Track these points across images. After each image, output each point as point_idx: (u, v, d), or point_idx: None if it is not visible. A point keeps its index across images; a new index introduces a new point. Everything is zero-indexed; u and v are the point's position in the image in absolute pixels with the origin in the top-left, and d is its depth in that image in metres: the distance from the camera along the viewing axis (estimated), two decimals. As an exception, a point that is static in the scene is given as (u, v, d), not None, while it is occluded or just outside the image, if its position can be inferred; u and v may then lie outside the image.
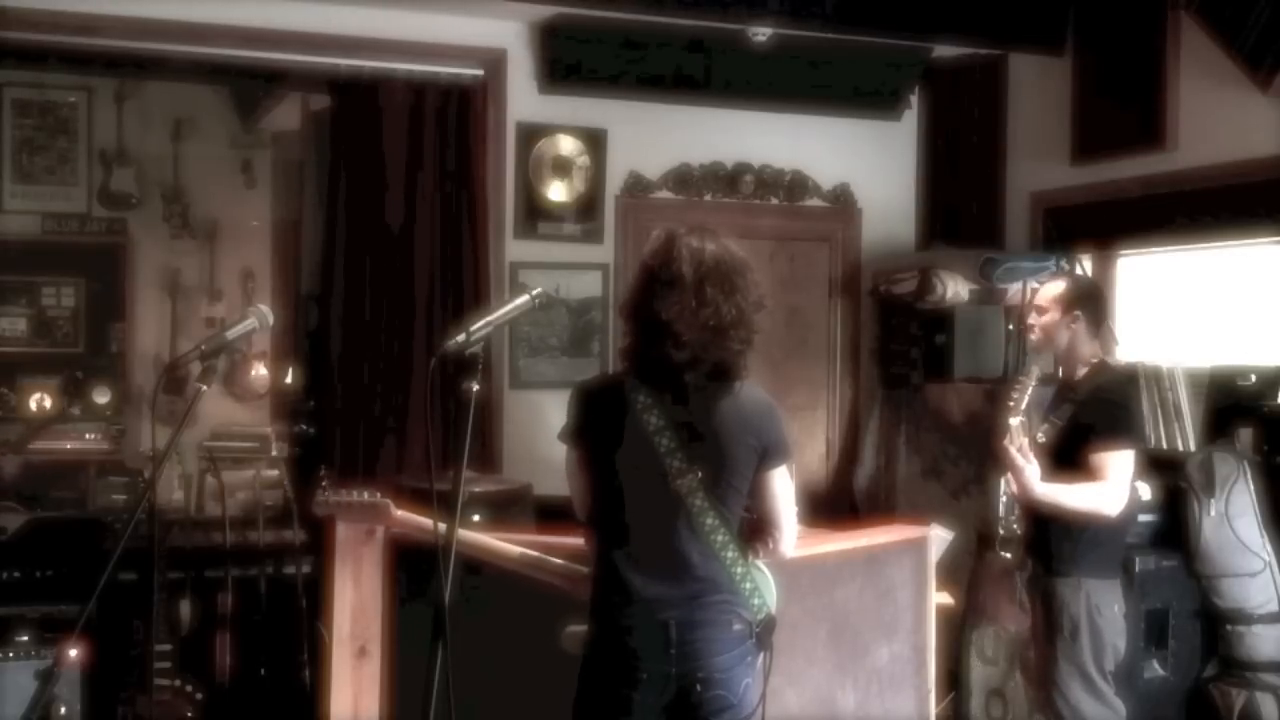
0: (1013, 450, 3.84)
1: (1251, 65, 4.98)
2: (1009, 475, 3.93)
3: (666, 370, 2.86)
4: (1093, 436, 3.89)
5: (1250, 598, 4.74)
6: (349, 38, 5.47)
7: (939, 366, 5.89)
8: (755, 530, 3.01)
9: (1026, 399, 3.92)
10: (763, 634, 2.95)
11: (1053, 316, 4.09)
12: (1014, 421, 3.87)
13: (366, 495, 3.41)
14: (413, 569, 3.67)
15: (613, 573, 2.91)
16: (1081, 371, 4.07)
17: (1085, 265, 5.76)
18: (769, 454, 2.94)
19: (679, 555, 2.88)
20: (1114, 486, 3.87)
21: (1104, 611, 3.92)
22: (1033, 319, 4.17)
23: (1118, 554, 4.06)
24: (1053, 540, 3.95)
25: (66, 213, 7.63)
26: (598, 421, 2.94)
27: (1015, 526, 4.05)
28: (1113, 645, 3.95)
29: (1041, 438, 3.98)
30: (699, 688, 2.86)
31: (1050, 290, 4.17)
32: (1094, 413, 3.94)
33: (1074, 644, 3.91)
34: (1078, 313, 4.05)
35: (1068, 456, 3.92)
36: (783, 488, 3.00)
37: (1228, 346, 5.26)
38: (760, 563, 3.01)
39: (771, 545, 3.02)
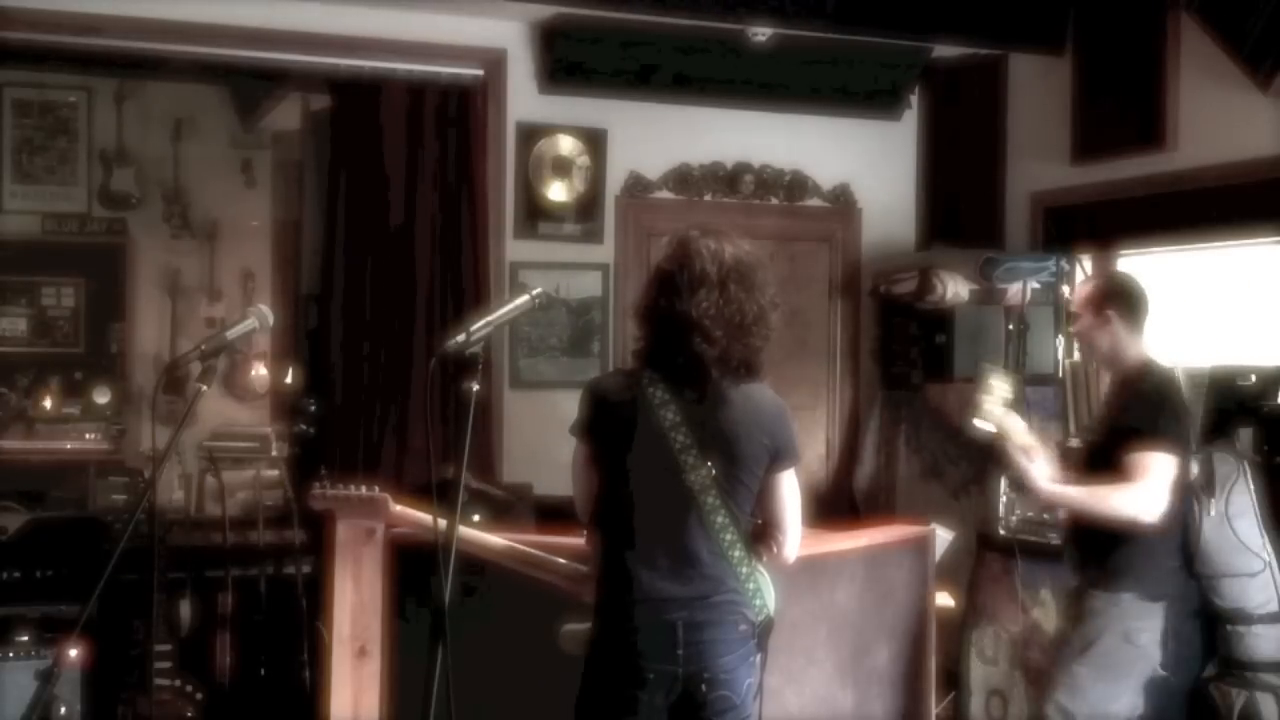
0: (1009, 447, 3.70)
1: (1251, 65, 4.98)
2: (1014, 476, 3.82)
3: (689, 367, 2.88)
4: (1130, 437, 3.69)
5: (1250, 598, 4.72)
6: (349, 38, 5.47)
7: (939, 366, 5.89)
8: (760, 534, 3.02)
9: (996, 398, 3.72)
10: (762, 635, 2.96)
11: (1086, 320, 3.88)
12: (978, 423, 3.68)
13: (365, 489, 3.39)
14: (413, 569, 3.66)
15: (620, 571, 2.91)
16: (1124, 374, 3.87)
17: (1085, 265, 5.76)
18: (780, 454, 2.96)
19: (689, 553, 2.88)
20: (1145, 489, 3.63)
21: (1136, 638, 3.79)
22: (1074, 327, 3.95)
23: (1160, 571, 3.88)
24: (1083, 549, 3.82)
25: (66, 213, 7.61)
26: (610, 417, 2.95)
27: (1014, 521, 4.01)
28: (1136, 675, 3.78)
29: (1075, 442, 3.86)
30: (704, 688, 2.87)
31: (1080, 292, 3.98)
32: (1131, 414, 3.75)
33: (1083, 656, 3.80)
34: (1109, 311, 3.83)
35: (1106, 463, 3.72)
36: (790, 491, 3.01)
37: (1228, 346, 5.26)
38: (761, 566, 3.01)
39: (775, 549, 3.02)
